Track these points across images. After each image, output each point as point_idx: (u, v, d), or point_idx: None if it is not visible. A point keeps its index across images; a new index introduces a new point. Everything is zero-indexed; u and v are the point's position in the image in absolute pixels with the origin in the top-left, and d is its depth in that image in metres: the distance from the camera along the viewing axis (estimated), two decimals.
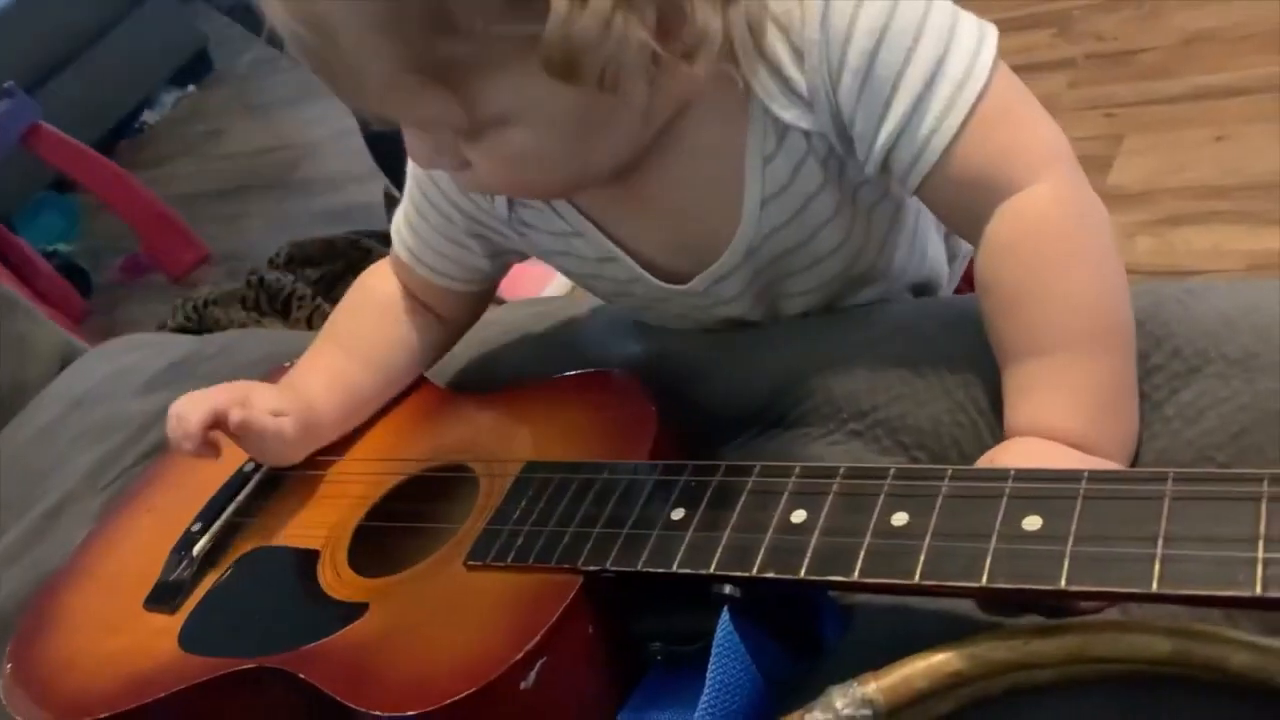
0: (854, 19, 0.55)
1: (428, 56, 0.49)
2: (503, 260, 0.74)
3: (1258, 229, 1.25)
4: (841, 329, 0.67)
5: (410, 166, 0.70)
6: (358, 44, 0.49)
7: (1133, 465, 0.54)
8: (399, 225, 0.74)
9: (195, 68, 3.34)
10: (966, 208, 0.57)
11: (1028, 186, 0.54)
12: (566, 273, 0.72)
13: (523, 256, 0.74)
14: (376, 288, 0.77)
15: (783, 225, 0.63)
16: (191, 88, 3.36)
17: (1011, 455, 0.52)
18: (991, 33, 0.56)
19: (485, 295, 0.78)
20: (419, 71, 0.50)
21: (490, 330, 0.89)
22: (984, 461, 0.53)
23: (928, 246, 0.72)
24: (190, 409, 0.68)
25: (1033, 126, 0.56)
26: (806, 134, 0.59)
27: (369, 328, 0.76)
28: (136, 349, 1.18)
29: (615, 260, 0.67)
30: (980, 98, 0.54)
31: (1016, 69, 0.56)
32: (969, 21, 0.56)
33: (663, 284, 0.67)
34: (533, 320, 0.88)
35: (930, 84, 0.54)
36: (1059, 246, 0.54)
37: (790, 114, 0.58)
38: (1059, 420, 0.52)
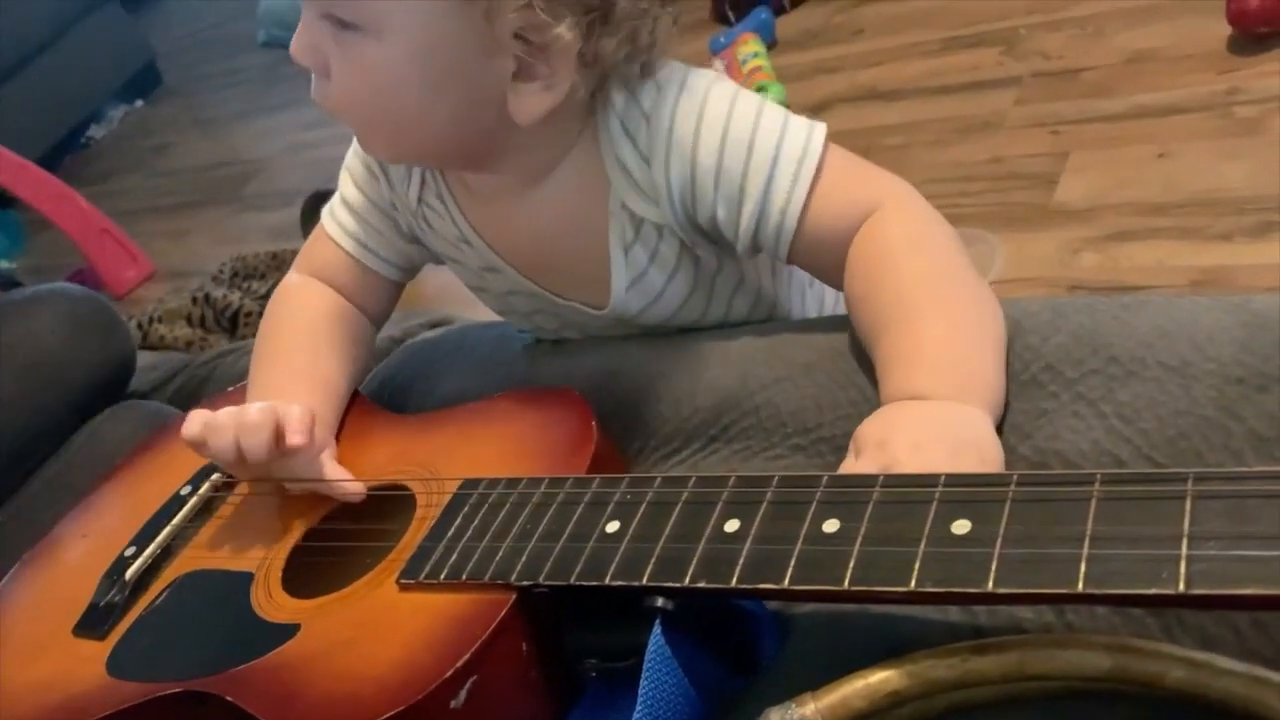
0: (697, 129, 0.63)
1: None
2: (415, 255, 0.78)
3: (1199, 245, 1.26)
4: (787, 348, 0.68)
5: (346, 160, 0.77)
6: None
7: (1003, 422, 0.56)
8: (333, 210, 0.78)
9: (143, 81, 3.30)
10: (832, 257, 0.64)
11: (872, 216, 0.62)
12: (461, 279, 0.78)
13: (429, 262, 0.80)
14: (308, 298, 0.78)
15: (649, 304, 0.72)
16: (139, 102, 3.32)
17: (871, 420, 0.56)
18: (820, 125, 0.64)
19: (399, 289, 0.81)
20: None
21: (432, 349, 0.88)
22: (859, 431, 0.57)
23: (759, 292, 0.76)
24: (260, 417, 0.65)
25: (869, 176, 0.65)
26: (658, 227, 0.67)
27: (319, 336, 0.76)
28: None
29: (499, 272, 0.74)
30: (819, 169, 0.63)
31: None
32: (797, 118, 0.65)
33: (543, 291, 0.73)
34: (475, 339, 0.87)
35: (774, 164, 0.63)
36: (895, 245, 0.61)
37: (642, 208, 0.67)
38: (905, 382, 0.56)
